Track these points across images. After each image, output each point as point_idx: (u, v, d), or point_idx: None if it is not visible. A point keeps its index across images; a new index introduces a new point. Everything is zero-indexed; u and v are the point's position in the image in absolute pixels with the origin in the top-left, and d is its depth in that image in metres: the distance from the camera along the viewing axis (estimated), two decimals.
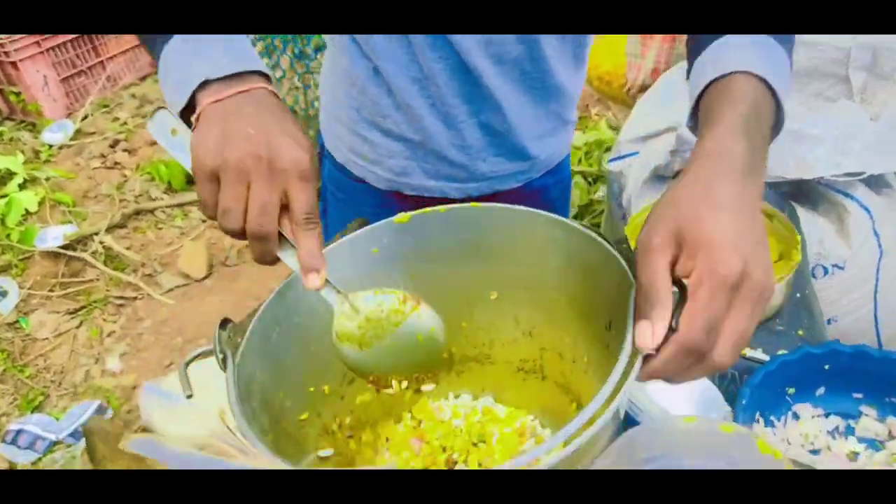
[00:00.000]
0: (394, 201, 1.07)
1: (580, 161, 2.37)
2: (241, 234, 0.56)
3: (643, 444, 0.61)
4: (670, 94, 1.52)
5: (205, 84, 0.57)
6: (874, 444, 0.83)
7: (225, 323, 0.65)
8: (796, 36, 0.71)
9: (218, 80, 0.57)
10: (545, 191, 1.13)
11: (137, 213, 3.01)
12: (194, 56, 0.58)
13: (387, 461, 0.77)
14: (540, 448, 0.47)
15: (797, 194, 1.28)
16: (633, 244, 0.59)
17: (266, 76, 0.60)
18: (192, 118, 0.58)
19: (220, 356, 0.61)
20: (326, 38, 1.06)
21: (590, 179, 2.33)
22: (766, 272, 0.50)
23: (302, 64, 2.64)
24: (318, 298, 0.61)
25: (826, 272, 1.23)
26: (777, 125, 0.63)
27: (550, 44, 0.92)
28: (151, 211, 3.03)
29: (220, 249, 2.81)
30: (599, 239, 0.64)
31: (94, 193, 3.10)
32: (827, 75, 1.36)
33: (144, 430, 0.99)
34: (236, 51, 0.59)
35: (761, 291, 0.49)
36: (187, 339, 2.45)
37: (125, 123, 3.53)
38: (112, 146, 3.36)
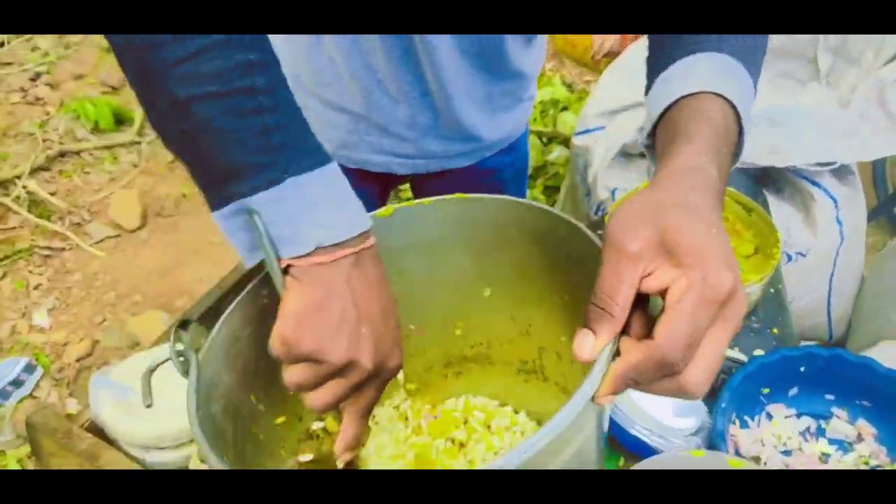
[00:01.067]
0: None
1: (535, 120, 2.33)
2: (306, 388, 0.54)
3: None
4: (639, 65, 1.49)
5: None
6: (844, 446, 0.85)
7: (186, 323, 0.60)
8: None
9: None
10: (498, 172, 1.08)
11: (62, 154, 2.81)
12: (304, 214, 0.51)
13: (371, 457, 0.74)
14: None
15: (764, 178, 1.28)
16: None
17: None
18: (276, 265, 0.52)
19: (181, 359, 0.57)
20: None
21: (544, 140, 2.29)
22: (746, 297, 0.46)
23: None
24: None
25: (790, 259, 1.24)
26: (736, 155, 0.59)
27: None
28: (77, 153, 2.84)
29: (154, 199, 2.66)
30: (584, 229, 0.60)
31: (14, 132, 2.88)
32: (795, 56, 1.35)
33: (93, 424, 0.93)
34: (350, 206, 0.54)
35: (742, 316, 0.45)
36: (121, 294, 2.33)
37: (47, 54, 3.27)
38: (33, 79, 3.12)
